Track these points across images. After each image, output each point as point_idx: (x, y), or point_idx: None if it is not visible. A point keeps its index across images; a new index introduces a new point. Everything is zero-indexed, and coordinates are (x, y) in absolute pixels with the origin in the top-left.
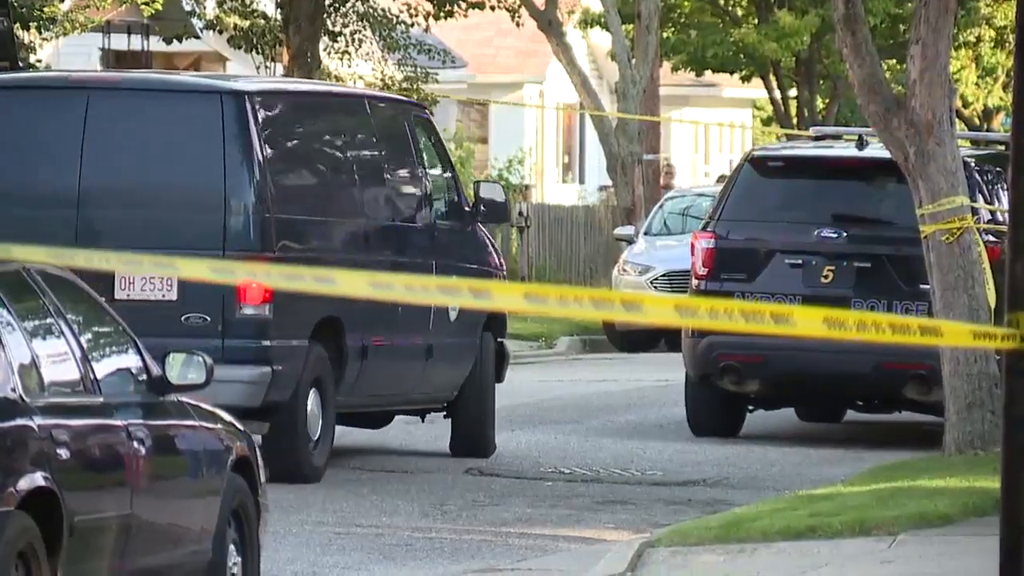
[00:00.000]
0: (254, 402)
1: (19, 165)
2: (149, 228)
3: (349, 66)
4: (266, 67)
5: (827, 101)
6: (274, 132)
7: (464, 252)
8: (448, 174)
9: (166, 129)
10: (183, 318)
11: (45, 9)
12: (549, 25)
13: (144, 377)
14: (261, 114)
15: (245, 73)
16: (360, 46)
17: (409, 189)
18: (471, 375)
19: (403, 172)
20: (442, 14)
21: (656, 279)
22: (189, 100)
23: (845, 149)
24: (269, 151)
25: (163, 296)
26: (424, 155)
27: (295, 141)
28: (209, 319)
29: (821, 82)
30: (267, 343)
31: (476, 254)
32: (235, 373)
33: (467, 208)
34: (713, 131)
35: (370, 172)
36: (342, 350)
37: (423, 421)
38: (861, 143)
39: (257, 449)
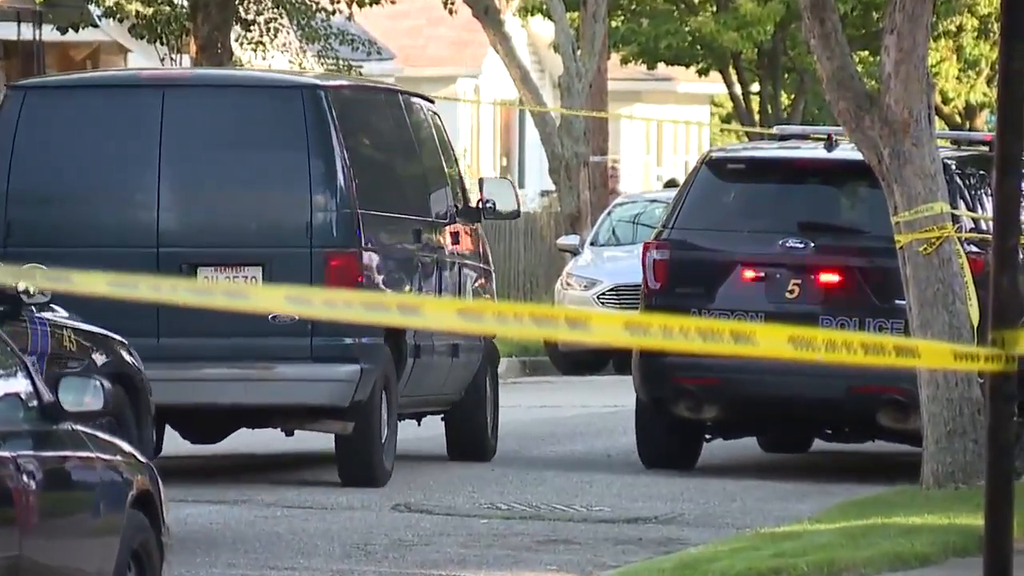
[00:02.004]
0: (343, 401)
1: (95, 168)
2: (233, 226)
3: (264, 58)
4: (171, 59)
5: (792, 97)
6: (344, 128)
7: (475, 249)
8: (457, 169)
9: (245, 125)
10: (271, 318)
11: None
12: (485, 13)
13: (35, 403)
14: (335, 109)
15: (151, 66)
16: (276, 36)
17: (441, 185)
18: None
19: (435, 168)
20: (367, 1)
21: (603, 294)
22: (268, 95)
23: (812, 150)
24: (346, 147)
25: None
26: (442, 150)
27: (358, 136)
28: (297, 318)
29: (786, 76)
30: (355, 341)
31: (482, 251)
32: (325, 371)
33: (473, 205)
34: (667, 130)
35: (417, 168)
36: (401, 349)
37: (419, 425)
38: (830, 144)
39: (160, 483)
